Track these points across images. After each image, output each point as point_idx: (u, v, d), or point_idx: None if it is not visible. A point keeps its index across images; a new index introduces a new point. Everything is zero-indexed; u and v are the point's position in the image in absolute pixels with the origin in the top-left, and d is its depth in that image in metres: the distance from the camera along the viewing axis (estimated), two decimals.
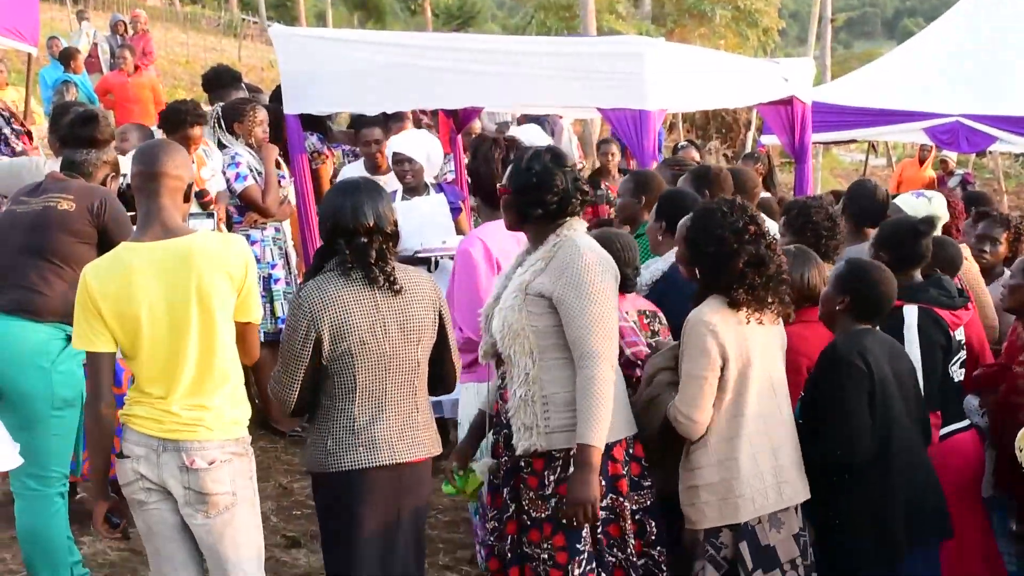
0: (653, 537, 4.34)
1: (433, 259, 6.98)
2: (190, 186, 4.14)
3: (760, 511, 4.29)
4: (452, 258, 6.92)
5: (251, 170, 7.59)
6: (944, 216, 6.19)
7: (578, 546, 4.19)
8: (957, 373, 5.10)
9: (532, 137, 7.77)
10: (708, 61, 9.47)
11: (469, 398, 5.20)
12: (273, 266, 7.65)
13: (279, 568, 5.73)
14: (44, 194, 5.16)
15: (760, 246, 4.31)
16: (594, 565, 4.20)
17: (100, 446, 4.02)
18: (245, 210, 7.61)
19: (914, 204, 6.02)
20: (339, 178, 8.14)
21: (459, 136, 9.18)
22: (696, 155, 9.42)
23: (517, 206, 4.40)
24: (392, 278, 4.16)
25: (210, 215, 4.64)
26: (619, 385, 4.28)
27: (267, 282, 7.59)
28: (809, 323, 4.76)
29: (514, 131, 8.05)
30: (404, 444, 4.19)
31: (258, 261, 7.54)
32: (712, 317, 4.29)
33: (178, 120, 7.36)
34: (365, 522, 4.15)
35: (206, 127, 7.67)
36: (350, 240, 4.13)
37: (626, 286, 4.89)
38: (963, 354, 5.17)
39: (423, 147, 7.31)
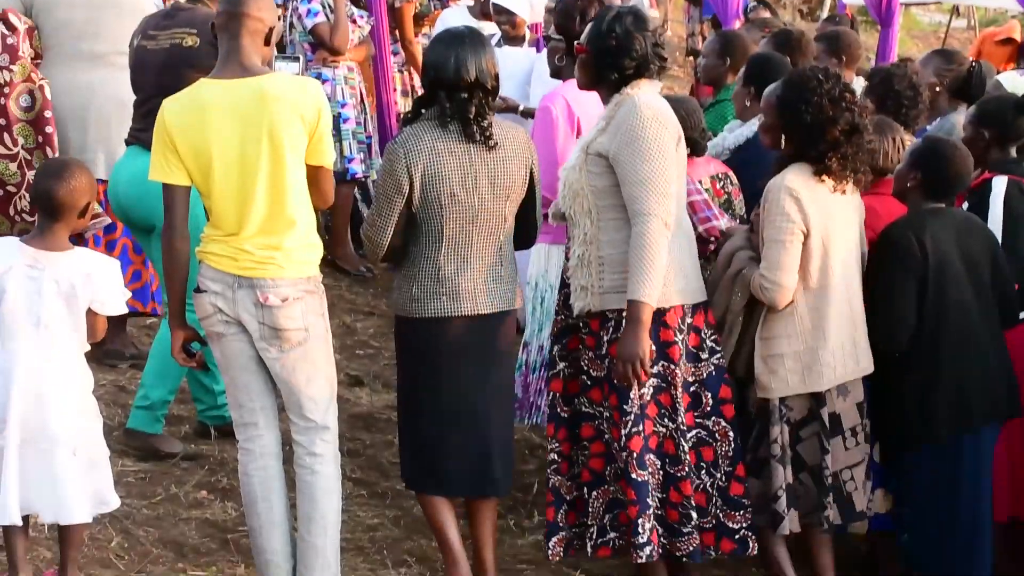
0: (708, 408, 4.35)
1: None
2: (271, 29, 4.13)
3: (839, 379, 4.37)
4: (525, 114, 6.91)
5: (324, 6, 7.49)
6: None
7: (625, 407, 4.23)
8: None
9: None
10: None
11: (536, 258, 5.26)
12: (343, 105, 7.62)
13: (343, 404, 5.79)
14: (169, 29, 5.14)
15: (855, 114, 4.29)
16: (641, 427, 4.24)
17: (175, 278, 4.12)
18: (316, 47, 7.56)
19: (1017, 82, 5.87)
20: (439, 20, 8.08)
21: None
22: (768, 15, 9.14)
23: (594, 67, 4.37)
24: (488, 133, 4.20)
25: (296, 59, 4.63)
26: (680, 252, 4.27)
27: (336, 121, 7.57)
28: (882, 196, 4.73)
29: None
30: (487, 296, 4.27)
31: (328, 100, 7.50)
32: (795, 183, 4.29)
33: None
34: (444, 368, 4.26)
35: None
36: (451, 93, 4.16)
37: (695, 150, 4.88)
38: None
39: None
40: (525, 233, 4.45)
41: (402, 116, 4.59)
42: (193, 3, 5.35)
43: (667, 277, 4.20)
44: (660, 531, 4.28)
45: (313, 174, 4.13)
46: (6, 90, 5.92)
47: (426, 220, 4.21)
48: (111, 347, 6.03)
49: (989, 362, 4.56)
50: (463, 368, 4.28)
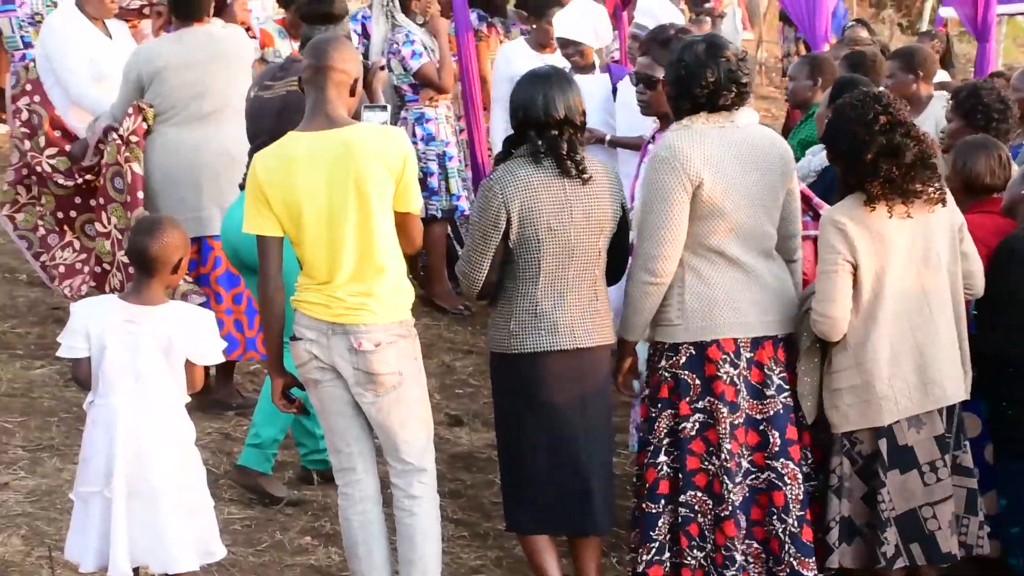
0: (776, 449, 4.27)
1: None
2: (356, 80, 4.21)
3: (903, 413, 4.24)
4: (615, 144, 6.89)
5: (425, 48, 7.58)
6: None
7: (649, 438, 4.34)
8: None
9: (657, 9, 7.43)
10: None
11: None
12: (447, 143, 7.71)
13: (441, 445, 5.86)
14: (285, 78, 5.26)
15: (895, 135, 4.18)
16: (661, 458, 4.28)
17: (272, 326, 4.21)
18: (419, 88, 7.64)
19: None
20: (500, 56, 8.12)
21: (624, 12, 9.02)
22: (864, 34, 9.05)
23: (671, 99, 4.39)
24: (582, 167, 4.23)
25: (384, 108, 4.69)
26: (731, 285, 4.26)
27: (441, 159, 7.66)
28: (991, 214, 4.66)
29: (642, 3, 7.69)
30: (584, 330, 4.29)
31: (432, 139, 7.63)
32: (842, 216, 4.22)
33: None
34: (543, 404, 4.28)
35: (382, 2, 7.62)
36: (540, 132, 4.20)
37: None
38: None
39: (590, 26, 7.22)
40: (615, 266, 4.45)
41: (494, 155, 4.63)
42: None
43: (710, 311, 4.23)
44: (709, 572, 4.26)
45: (401, 220, 4.19)
46: (102, 170, 6.11)
47: (523, 255, 4.24)
48: (217, 397, 6.15)
49: None
50: (561, 403, 4.29)
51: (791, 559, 4.24)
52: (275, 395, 4.28)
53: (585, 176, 4.23)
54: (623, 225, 4.39)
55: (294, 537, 5.06)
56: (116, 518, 4.00)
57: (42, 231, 6.63)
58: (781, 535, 4.25)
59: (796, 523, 4.24)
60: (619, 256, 4.44)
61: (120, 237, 6.06)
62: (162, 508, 4.04)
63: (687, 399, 4.25)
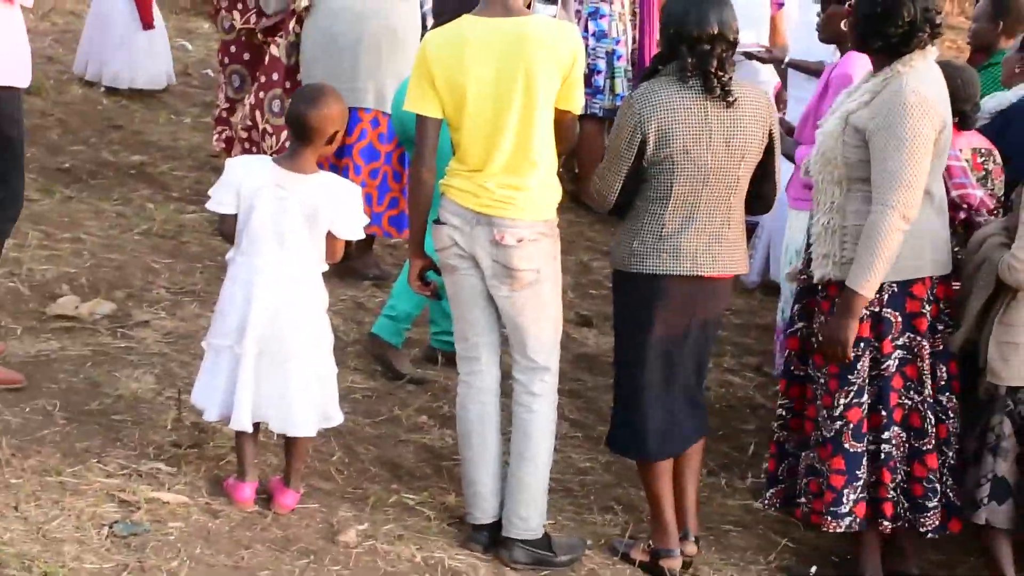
0: (943, 382, 4.30)
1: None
2: None
3: None
4: (762, 58, 6.69)
5: None
6: None
7: (850, 377, 4.22)
8: None
9: None
10: None
11: (799, 224, 5.16)
12: (618, 42, 7.58)
13: (569, 343, 5.91)
14: None
15: None
16: (864, 398, 4.21)
17: (420, 208, 4.22)
18: None
19: None
20: None
21: None
22: None
23: (859, 32, 4.28)
24: (728, 89, 4.13)
25: (553, 1, 4.66)
26: (932, 223, 4.22)
27: (610, 57, 7.56)
28: None
29: None
30: (708, 258, 4.22)
31: (604, 35, 7.53)
32: None
33: None
34: (656, 326, 4.24)
35: None
36: (692, 47, 4.11)
37: (964, 123, 4.72)
38: None
39: None
40: (762, 198, 4.37)
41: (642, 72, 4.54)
42: None
43: (920, 248, 4.18)
44: (901, 504, 4.27)
45: (560, 118, 4.16)
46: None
47: (656, 176, 4.17)
48: (355, 265, 6.25)
49: None
50: (673, 328, 4.26)
51: (948, 489, 4.31)
52: (412, 277, 4.33)
53: (731, 99, 4.13)
54: (770, 152, 4.28)
55: (411, 414, 5.16)
56: (244, 374, 4.12)
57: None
58: (942, 467, 4.30)
59: (954, 456, 4.32)
60: (766, 184, 4.34)
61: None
62: (291, 371, 4.15)
63: (890, 336, 4.21)
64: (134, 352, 5.19)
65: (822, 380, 4.30)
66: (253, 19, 6.50)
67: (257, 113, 6.31)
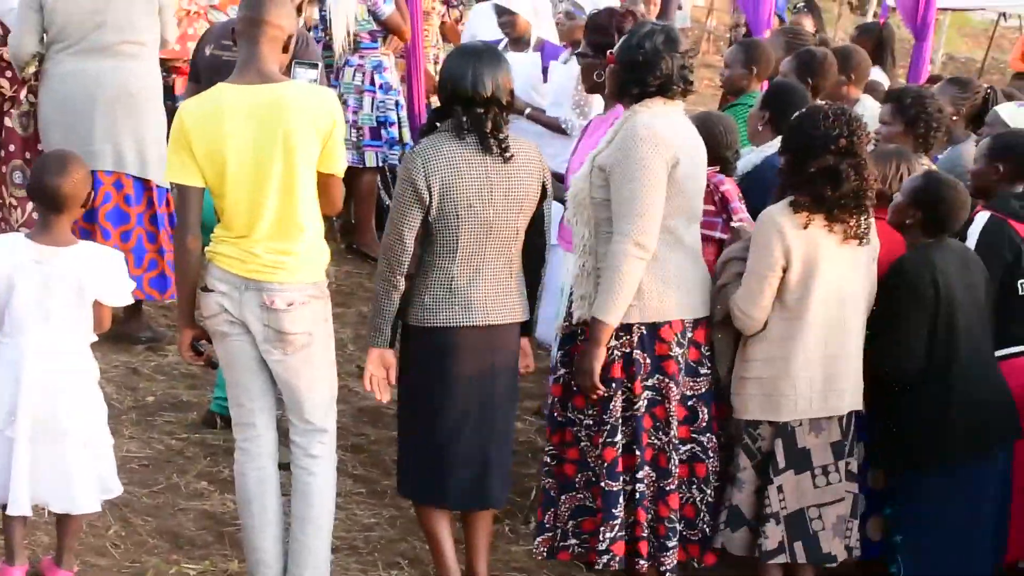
0: (704, 424, 4.44)
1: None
2: (290, 37, 4.19)
3: (802, 414, 4.37)
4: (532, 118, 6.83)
5: None
6: None
7: (604, 417, 4.34)
8: None
9: None
10: None
11: (564, 265, 5.30)
12: (398, 92, 7.76)
13: (349, 397, 5.93)
14: None
15: (843, 161, 4.27)
16: (618, 438, 4.33)
17: (187, 276, 4.18)
18: (379, 36, 7.63)
19: (1014, 113, 5.79)
20: (471, 17, 8.10)
21: None
22: (807, 21, 9.08)
23: (620, 79, 4.46)
24: (505, 146, 4.25)
25: (314, 66, 4.68)
26: (681, 266, 4.36)
27: (396, 108, 7.70)
28: (882, 220, 4.71)
29: None
30: (497, 307, 4.32)
31: (390, 87, 7.68)
32: (782, 218, 4.31)
33: None
34: (453, 377, 4.30)
35: None
36: (467, 108, 4.21)
37: (726, 169, 4.98)
38: None
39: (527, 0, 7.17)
40: (534, 245, 4.47)
41: (419, 128, 4.63)
42: None
43: (664, 291, 4.32)
44: (652, 543, 4.38)
45: (324, 181, 4.19)
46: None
47: (441, 230, 4.25)
48: (125, 329, 6.13)
49: (995, 384, 4.62)
50: (470, 378, 4.33)
51: (704, 526, 4.47)
52: (183, 346, 4.29)
53: (507, 155, 4.26)
54: (542, 205, 4.42)
55: (191, 481, 5.09)
56: (18, 457, 4.02)
57: None
58: (698, 503, 4.45)
59: (713, 493, 4.47)
60: (537, 235, 4.46)
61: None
62: (67, 449, 4.07)
63: (639, 378, 4.33)
64: None
65: (587, 422, 4.43)
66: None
67: (1, 187, 6.17)
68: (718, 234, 4.81)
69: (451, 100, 4.27)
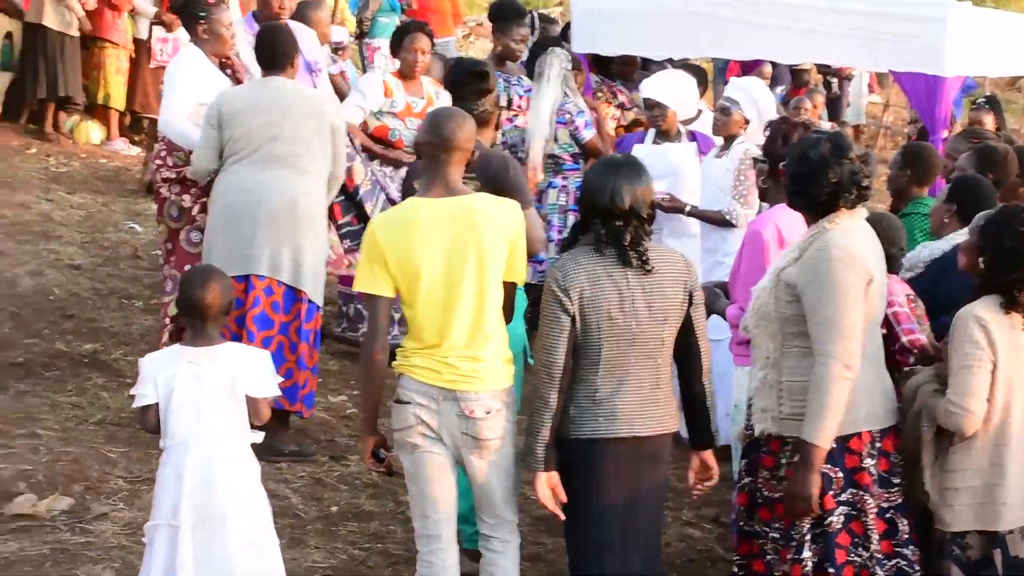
0: (906, 536, 4.33)
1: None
2: (472, 152, 4.41)
3: (1019, 522, 4.26)
4: (663, 207, 6.80)
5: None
6: None
7: (792, 533, 4.29)
8: None
9: (749, 85, 7.39)
10: (1015, 25, 9.00)
11: (743, 380, 5.25)
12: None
13: (526, 505, 5.88)
14: None
15: None
16: (805, 554, 4.25)
17: (373, 385, 4.33)
18: (580, 157, 7.83)
19: None
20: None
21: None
22: (988, 118, 8.94)
23: (789, 191, 4.49)
24: (645, 258, 4.26)
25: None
26: (869, 376, 4.30)
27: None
28: None
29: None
30: (643, 419, 4.30)
31: (565, 210, 7.82)
32: (984, 313, 4.26)
33: (405, 30, 7.67)
34: (601, 490, 4.30)
35: (559, 71, 7.82)
36: (605, 221, 4.25)
37: (891, 265, 4.83)
38: None
39: (673, 91, 7.30)
40: (691, 354, 4.44)
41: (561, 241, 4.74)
42: None
43: (854, 402, 4.24)
44: None
45: (506, 290, 4.34)
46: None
47: (584, 341, 4.25)
48: (271, 442, 6.20)
49: None
50: (616, 491, 4.30)
51: None
52: (365, 454, 4.42)
53: (648, 267, 4.26)
54: (692, 312, 4.38)
55: None
56: (183, 545, 4.22)
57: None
58: None
59: None
60: (690, 344, 4.42)
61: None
62: (229, 534, 4.25)
63: (831, 492, 4.26)
64: (93, 547, 5.17)
65: (773, 535, 4.36)
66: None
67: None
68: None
69: (589, 213, 4.31)
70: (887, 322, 4.63)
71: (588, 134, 7.75)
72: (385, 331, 4.30)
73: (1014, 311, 4.26)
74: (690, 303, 4.37)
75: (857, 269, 4.24)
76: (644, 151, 7.04)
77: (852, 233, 4.33)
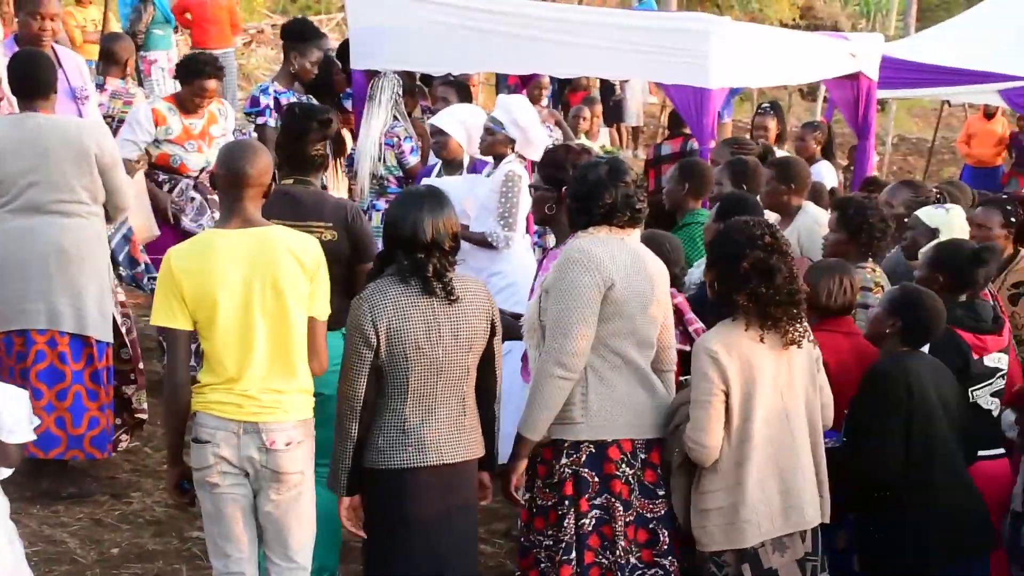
0: (665, 547, 4.43)
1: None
2: (269, 185, 4.32)
3: (765, 536, 4.35)
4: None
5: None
6: (962, 228, 5.82)
7: (560, 535, 4.39)
8: (986, 400, 5.01)
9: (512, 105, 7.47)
10: (773, 38, 9.37)
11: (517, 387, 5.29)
12: None
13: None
14: (304, 220, 4.95)
15: (772, 256, 4.32)
16: (572, 555, 4.35)
17: (177, 417, 4.21)
18: (404, 182, 7.71)
19: (934, 215, 5.92)
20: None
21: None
22: (772, 123, 9.29)
23: (570, 211, 4.58)
24: (449, 288, 4.27)
25: None
26: (630, 387, 4.43)
27: None
28: (830, 332, 4.83)
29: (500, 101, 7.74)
30: (451, 445, 4.31)
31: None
32: (715, 344, 4.33)
33: (195, 70, 7.30)
34: (413, 519, 4.28)
35: (390, 95, 7.80)
36: (407, 252, 4.26)
37: (675, 283, 5.07)
38: (998, 381, 5.05)
39: (455, 122, 7.19)
40: (487, 382, 4.49)
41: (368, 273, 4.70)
42: (305, 183, 5.15)
43: (612, 410, 4.37)
44: None
45: (310, 325, 4.26)
46: None
47: (391, 372, 4.24)
48: (46, 487, 6.02)
49: (972, 494, 4.70)
50: (428, 518, 4.29)
51: None
52: (170, 486, 4.32)
53: (452, 297, 4.29)
54: (492, 342, 4.44)
55: None
56: None
57: None
58: None
59: None
60: (490, 372, 4.49)
61: None
62: None
63: (586, 496, 4.36)
64: None
65: (547, 543, 4.44)
66: None
67: None
68: (677, 345, 4.80)
69: (393, 245, 4.30)
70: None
71: (413, 160, 7.71)
72: (186, 363, 4.18)
73: (752, 327, 4.33)
74: (492, 332, 4.42)
75: (593, 272, 4.32)
76: (428, 183, 7.04)
77: (603, 243, 4.41)
